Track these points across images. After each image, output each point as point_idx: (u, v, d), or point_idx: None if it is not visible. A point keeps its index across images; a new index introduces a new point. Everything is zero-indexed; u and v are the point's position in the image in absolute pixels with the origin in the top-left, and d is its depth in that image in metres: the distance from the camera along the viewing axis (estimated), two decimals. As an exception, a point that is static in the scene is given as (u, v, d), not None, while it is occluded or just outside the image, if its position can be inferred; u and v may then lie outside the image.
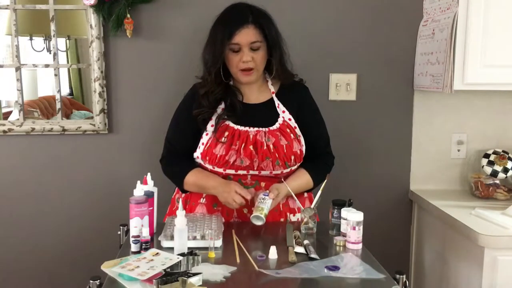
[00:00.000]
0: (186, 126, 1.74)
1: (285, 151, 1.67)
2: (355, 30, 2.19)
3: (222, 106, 1.72)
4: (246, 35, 1.62)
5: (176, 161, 1.76)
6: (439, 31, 1.95)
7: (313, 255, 1.41)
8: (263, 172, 1.68)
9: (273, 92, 1.77)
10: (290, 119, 1.73)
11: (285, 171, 1.70)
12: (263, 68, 1.71)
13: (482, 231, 1.68)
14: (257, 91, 1.76)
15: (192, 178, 1.70)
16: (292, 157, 1.68)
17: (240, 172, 1.67)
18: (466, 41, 1.83)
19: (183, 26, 2.13)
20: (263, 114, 1.73)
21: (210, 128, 1.69)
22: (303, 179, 1.73)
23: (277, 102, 1.75)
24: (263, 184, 1.69)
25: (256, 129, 1.68)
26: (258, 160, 1.65)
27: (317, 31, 2.16)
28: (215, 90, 1.69)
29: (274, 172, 1.68)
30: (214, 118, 1.70)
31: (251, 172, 1.67)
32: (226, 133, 1.66)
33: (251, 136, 1.66)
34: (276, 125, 1.70)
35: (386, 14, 2.18)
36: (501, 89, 1.95)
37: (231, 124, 1.68)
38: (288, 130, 1.70)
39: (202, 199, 1.74)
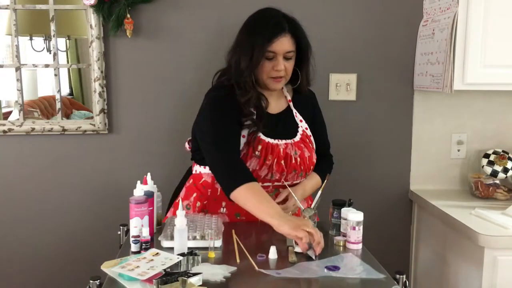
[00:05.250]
0: (231, 127, 1.62)
1: (307, 162, 1.69)
2: (355, 30, 2.19)
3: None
4: (283, 44, 1.59)
5: (230, 166, 1.58)
6: (439, 31, 1.95)
7: (310, 253, 1.40)
8: (285, 183, 1.67)
9: (289, 100, 1.76)
10: (307, 128, 1.75)
11: (303, 180, 1.73)
12: (290, 77, 1.69)
13: (482, 231, 1.68)
14: (275, 98, 1.74)
15: (242, 193, 1.52)
16: (311, 167, 1.72)
17: (266, 184, 1.67)
18: (466, 41, 1.83)
19: (183, 26, 2.13)
20: (285, 125, 1.72)
21: (241, 139, 1.64)
22: (315, 180, 1.77)
23: (294, 111, 1.75)
24: (281, 190, 1.69)
25: (284, 141, 1.67)
26: (286, 173, 1.65)
27: (317, 31, 2.15)
28: (255, 95, 1.63)
29: (294, 182, 1.70)
30: (243, 128, 1.64)
31: (275, 183, 1.68)
32: (260, 147, 1.63)
33: (281, 150, 1.65)
34: (298, 136, 1.71)
35: (386, 14, 2.18)
36: (501, 89, 1.96)
37: (262, 137, 1.64)
38: (307, 141, 1.73)
39: (222, 208, 1.71)
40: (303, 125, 1.75)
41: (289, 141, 1.68)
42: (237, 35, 1.67)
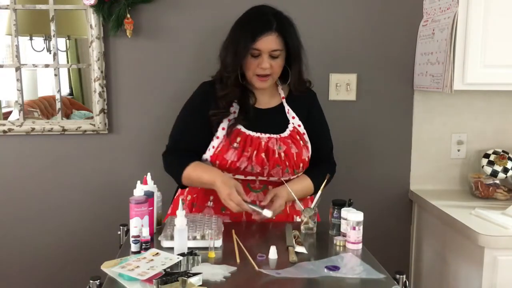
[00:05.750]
0: (194, 125, 1.70)
1: (295, 159, 1.66)
2: (355, 30, 2.19)
3: (234, 109, 1.68)
4: (268, 42, 1.59)
5: (177, 156, 1.71)
6: (439, 31, 1.95)
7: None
8: (271, 178, 1.67)
9: (283, 97, 1.76)
10: (299, 125, 1.73)
11: (292, 177, 1.70)
12: (278, 76, 1.69)
13: (482, 231, 1.68)
14: (268, 95, 1.74)
15: (189, 172, 1.64)
16: (301, 165, 1.68)
17: (249, 177, 1.66)
18: (466, 41, 1.83)
19: (183, 26, 2.13)
20: (273, 120, 1.72)
21: (221, 131, 1.66)
22: (304, 184, 1.72)
23: (287, 107, 1.74)
24: (271, 187, 1.68)
25: (267, 135, 1.67)
26: (269, 167, 1.64)
27: (317, 31, 2.16)
28: (233, 92, 1.66)
29: (282, 178, 1.67)
30: (224, 121, 1.66)
31: (260, 178, 1.67)
32: (238, 139, 1.64)
33: (263, 143, 1.64)
34: (287, 132, 1.70)
35: (386, 14, 2.18)
36: (501, 89, 1.96)
37: (243, 129, 1.65)
38: (298, 137, 1.70)
39: (209, 202, 1.72)
40: (295, 122, 1.73)
41: (274, 135, 1.67)
42: (229, 31, 1.69)
